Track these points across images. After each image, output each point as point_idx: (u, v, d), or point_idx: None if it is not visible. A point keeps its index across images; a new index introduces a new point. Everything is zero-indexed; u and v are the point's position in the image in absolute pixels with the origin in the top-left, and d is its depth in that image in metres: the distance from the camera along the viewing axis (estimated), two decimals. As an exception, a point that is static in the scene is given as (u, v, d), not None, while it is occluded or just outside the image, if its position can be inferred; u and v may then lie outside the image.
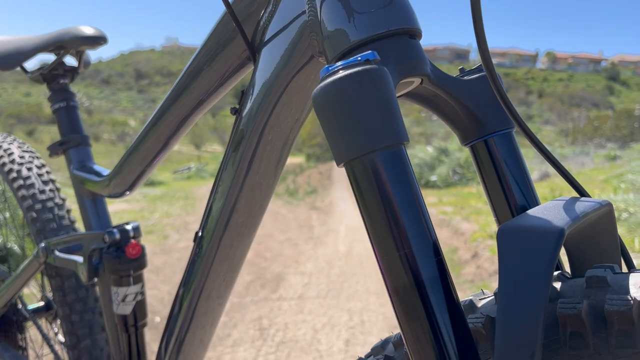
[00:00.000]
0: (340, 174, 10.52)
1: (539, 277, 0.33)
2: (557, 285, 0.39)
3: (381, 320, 2.90)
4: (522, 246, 0.34)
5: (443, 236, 4.82)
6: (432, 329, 0.35)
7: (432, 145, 11.01)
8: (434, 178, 8.93)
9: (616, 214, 4.32)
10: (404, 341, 0.37)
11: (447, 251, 4.23)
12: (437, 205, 6.64)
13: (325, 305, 3.24)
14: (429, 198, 7.35)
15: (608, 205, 0.42)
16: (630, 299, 0.34)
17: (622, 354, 0.34)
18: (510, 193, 0.49)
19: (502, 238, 0.35)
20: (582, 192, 0.44)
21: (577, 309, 0.36)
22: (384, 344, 0.49)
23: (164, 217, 6.88)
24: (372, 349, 0.49)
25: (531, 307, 0.33)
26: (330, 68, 0.37)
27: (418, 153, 10.32)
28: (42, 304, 1.36)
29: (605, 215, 0.42)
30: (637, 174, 5.80)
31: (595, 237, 0.43)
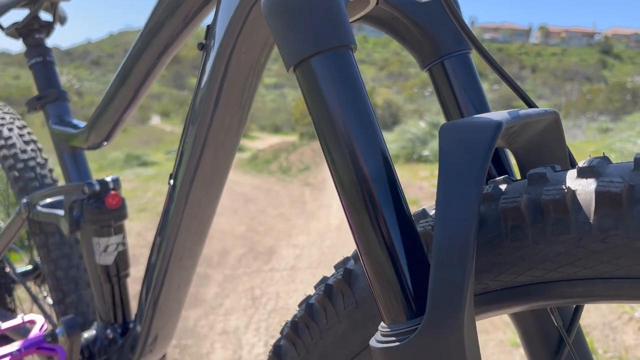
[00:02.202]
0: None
1: (475, 166, 0.34)
2: (503, 186, 0.40)
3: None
4: (461, 139, 0.35)
5: (434, 207, 4.86)
6: (378, 224, 0.37)
7: (424, 120, 11.00)
8: (426, 153, 8.94)
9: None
10: (354, 240, 0.38)
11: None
12: (429, 178, 6.67)
13: (317, 275, 3.28)
14: (421, 172, 7.38)
15: (554, 114, 0.43)
16: (564, 188, 0.36)
17: (557, 240, 0.36)
18: (467, 114, 0.51)
19: (443, 134, 0.36)
20: (530, 104, 0.45)
21: (517, 202, 0.37)
22: (345, 260, 0.50)
23: (157, 195, 6.87)
24: (335, 266, 0.51)
25: (468, 194, 0.34)
26: (278, -25, 0.38)
27: (411, 128, 10.30)
28: (30, 267, 1.38)
29: (552, 124, 0.44)
30: (625, 142, 5.84)
31: (544, 146, 0.45)
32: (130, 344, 0.92)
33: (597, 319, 2.20)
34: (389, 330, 0.36)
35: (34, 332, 0.84)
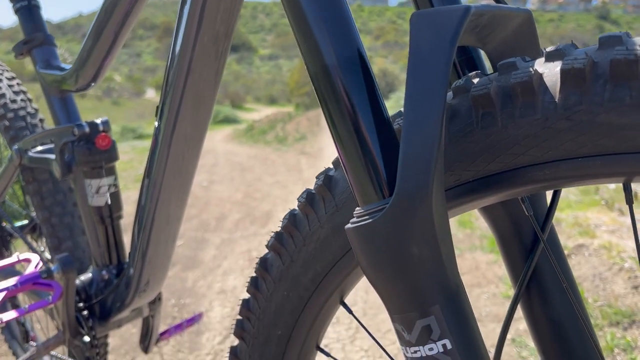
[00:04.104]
0: (329, 119, 10.46)
1: (444, 47, 0.35)
2: (475, 80, 0.41)
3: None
4: (430, 24, 0.36)
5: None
6: (350, 110, 0.38)
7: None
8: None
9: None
10: (329, 129, 0.39)
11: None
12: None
13: (313, 237, 3.31)
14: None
15: (527, 12, 0.44)
16: (532, 70, 0.37)
17: (525, 122, 0.37)
18: None
19: (413, 21, 0.37)
20: (500, 2, 0.46)
21: (487, 88, 0.38)
22: (326, 170, 0.52)
23: (153, 166, 6.87)
24: (317, 176, 0.52)
25: (436, 74, 0.35)
26: None
27: (406, 96, 10.27)
28: (26, 222, 1.39)
29: (526, 23, 0.45)
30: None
31: (518, 47, 0.46)
32: (125, 284, 0.94)
33: (587, 270, 2.25)
34: (362, 211, 0.37)
35: (30, 269, 0.86)
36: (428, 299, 0.36)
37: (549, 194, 0.50)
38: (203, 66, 0.66)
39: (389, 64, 26.49)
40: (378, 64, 23.83)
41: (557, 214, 2.93)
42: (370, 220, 0.36)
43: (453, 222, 3.35)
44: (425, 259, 0.36)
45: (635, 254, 2.25)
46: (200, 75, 0.67)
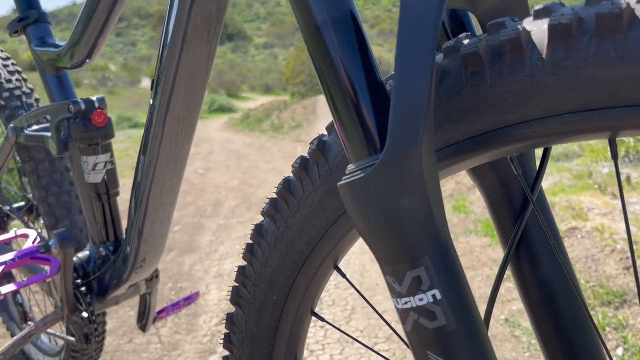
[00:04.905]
0: (324, 108, 10.47)
1: (432, 6, 0.36)
2: (465, 41, 0.42)
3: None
4: None
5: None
6: (341, 68, 0.38)
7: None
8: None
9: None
10: (322, 88, 0.40)
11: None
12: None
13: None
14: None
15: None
16: (520, 28, 0.37)
17: (513, 79, 0.38)
18: None
19: None
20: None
21: (477, 47, 0.39)
22: (320, 135, 0.52)
23: (148, 154, 6.85)
24: (311, 142, 0.53)
25: (424, 33, 0.36)
26: None
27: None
28: (22, 203, 1.40)
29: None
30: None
31: (508, 12, 0.47)
32: (122, 261, 0.95)
33: (580, 252, 2.27)
34: (354, 167, 0.38)
35: (27, 244, 0.87)
36: (418, 250, 0.37)
37: (538, 158, 0.51)
38: (196, 47, 0.66)
39: (384, 53, 26.39)
40: (374, 53, 23.73)
41: (551, 198, 2.95)
42: (362, 175, 0.37)
43: (447, 207, 3.37)
44: (415, 212, 0.36)
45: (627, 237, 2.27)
46: (193, 56, 0.67)
